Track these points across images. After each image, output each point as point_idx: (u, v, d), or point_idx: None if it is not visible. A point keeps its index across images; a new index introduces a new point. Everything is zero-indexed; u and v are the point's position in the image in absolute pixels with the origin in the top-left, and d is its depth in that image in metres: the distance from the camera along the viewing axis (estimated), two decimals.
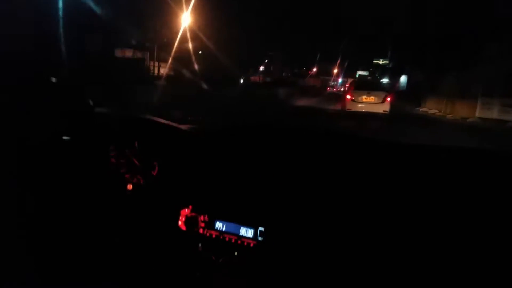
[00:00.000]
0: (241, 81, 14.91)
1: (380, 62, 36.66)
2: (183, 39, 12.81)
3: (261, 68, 27.31)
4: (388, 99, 8.96)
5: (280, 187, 0.91)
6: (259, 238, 0.88)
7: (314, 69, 30.07)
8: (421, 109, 14.35)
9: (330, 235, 0.85)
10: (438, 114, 12.26)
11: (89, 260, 0.94)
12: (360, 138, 1.05)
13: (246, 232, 0.90)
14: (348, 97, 9.34)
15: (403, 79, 29.58)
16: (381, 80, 39.98)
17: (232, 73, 15.40)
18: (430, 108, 13.96)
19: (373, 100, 9.26)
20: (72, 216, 0.99)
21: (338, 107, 9.69)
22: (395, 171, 0.89)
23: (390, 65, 33.37)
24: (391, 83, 34.15)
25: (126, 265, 0.93)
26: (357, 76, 45.82)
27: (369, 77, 15.49)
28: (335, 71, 30.91)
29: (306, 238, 0.85)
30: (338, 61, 28.84)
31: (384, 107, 8.89)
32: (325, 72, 29.08)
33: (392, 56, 32.43)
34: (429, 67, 15.24)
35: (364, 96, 9.35)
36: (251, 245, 0.88)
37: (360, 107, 9.25)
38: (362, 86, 9.59)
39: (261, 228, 0.88)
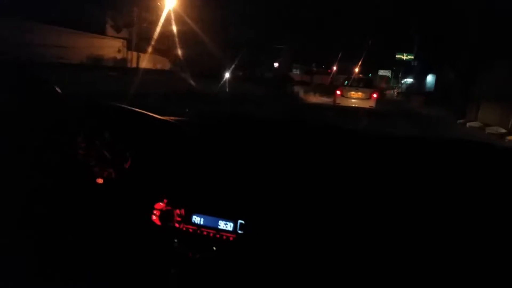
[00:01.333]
0: (226, 76, 14.74)
1: (404, 57, 35.84)
2: (166, 25, 11.59)
3: (275, 64, 28.09)
4: (374, 95, 11.41)
5: (260, 178, 0.96)
6: (239, 232, 0.91)
7: (334, 68, 31.12)
8: (468, 124, 10.59)
9: (312, 228, 0.89)
10: (500, 133, 8.13)
11: (59, 259, 0.94)
12: (343, 130, 1.15)
13: (225, 225, 0.92)
14: (338, 92, 11.67)
15: (430, 78, 28.22)
16: (404, 80, 39.91)
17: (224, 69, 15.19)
18: (485, 122, 9.54)
19: (360, 96, 11.49)
20: (38, 211, 0.96)
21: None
22: (379, 163, 0.96)
23: (416, 63, 32.82)
24: (414, 84, 33.32)
25: (98, 263, 0.95)
26: (379, 74, 46.01)
27: (361, 75, 17.28)
28: (356, 70, 30.42)
29: (288, 230, 0.89)
30: (360, 60, 28.00)
31: (370, 103, 11.21)
32: (344, 71, 28.50)
33: (418, 53, 31.15)
34: (467, 63, 12.29)
35: (353, 92, 11.57)
36: (231, 238, 0.92)
37: (348, 102, 11.45)
38: (351, 83, 12.19)
39: (241, 221, 0.91)
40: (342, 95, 11.53)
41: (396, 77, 47.35)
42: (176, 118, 1.18)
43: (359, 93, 11.49)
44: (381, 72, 48.01)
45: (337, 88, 12.08)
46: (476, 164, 0.95)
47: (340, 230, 0.87)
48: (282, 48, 26.92)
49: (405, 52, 35.29)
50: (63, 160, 0.99)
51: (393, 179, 0.92)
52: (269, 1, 19.21)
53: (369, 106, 11.23)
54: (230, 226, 0.91)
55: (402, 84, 42.09)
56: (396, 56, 36.35)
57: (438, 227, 0.84)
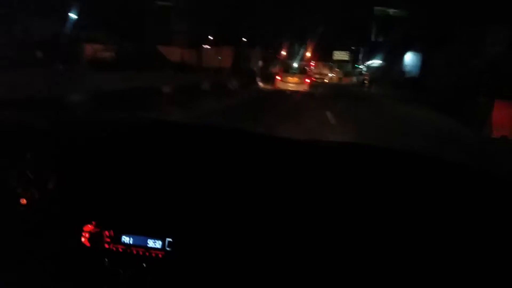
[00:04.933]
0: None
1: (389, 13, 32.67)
2: None
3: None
4: (307, 80, 18.44)
5: (186, 194, 1.17)
6: (167, 249, 1.12)
7: (283, 52, 32.99)
8: None
9: (241, 242, 1.10)
10: None
11: None
12: (271, 138, 1.39)
13: (154, 243, 1.13)
14: (278, 78, 18.65)
15: (409, 59, 25.08)
16: (368, 62, 37.21)
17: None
18: None
19: (296, 81, 18.23)
20: None
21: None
22: (301, 170, 1.22)
23: (383, 39, 29.41)
24: (383, 68, 29.19)
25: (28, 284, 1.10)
26: (333, 57, 46.67)
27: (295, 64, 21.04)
28: (308, 54, 32.64)
29: (215, 245, 1.11)
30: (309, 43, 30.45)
31: (304, 87, 18.08)
32: (292, 56, 30.04)
33: (387, 25, 28.70)
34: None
35: (290, 77, 18.38)
36: (160, 256, 1.12)
37: (286, 85, 18.02)
38: (288, 70, 19.13)
39: (168, 239, 1.12)
40: (281, 80, 18.30)
41: (356, 60, 46.58)
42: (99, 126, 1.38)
43: (295, 78, 18.21)
44: (337, 55, 47.48)
45: (277, 74, 19.12)
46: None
47: (268, 243, 1.08)
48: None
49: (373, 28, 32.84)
50: None
51: (317, 185, 1.15)
52: None
53: (303, 89, 17.88)
54: (159, 244, 1.12)
55: (365, 68, 40.03)
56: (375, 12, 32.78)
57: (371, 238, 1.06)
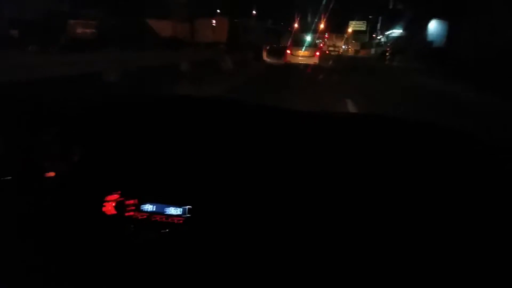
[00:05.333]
0: None
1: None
2: None
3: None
4: (317, 53, 21.22)
5: (203, 165, 1.42)
6: (187, 215, 1.38)
7: (296, 25, 34.21)
8: None
9: (256, 211, 1.34)
10: None
11: (14, 256, 1.28)
12: (285, 111, 1.69)
13: (174, 211, 1.39)
14: (288, 51, 21.28)
15: (433, 28, 25.16)
16: (388, 32, 36.29)
17: None
18: None
19: (306, 54, 20.91)
20: None
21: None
22: (317, 145, 1.47)
23: (403, 6, 28.46)
24: (404, 38, 28.34)
25: (57, 256, 1.30)
26: (349, 29, 46.42)
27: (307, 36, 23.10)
28: (321, 26, 33.36)
29: (229, 212, 1.35)
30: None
31: (314, 60, 20.82)
32: (305, 28, 30.81)
33: None
34: None
35: (300, 51, 21.00)
36: (180, 222, 1.38)
37: (297, 59, 20.78)
38: (298, 44, 21.56)
39: (188, 206, 1.38)
40: (291, 54, 21.04)
41: (374, 30, 45.71)
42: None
43: (306, 52, 20.95)
44: (353, 26, 46.94)
45: (287, 48, 21.75)
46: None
47: (283, 213, 1.31)
48: None
49: None
50: (13, 155, 1.39)
51: (333, 161, 1.39)
52: None
53: (314, 62, 20.70)
54: (179, 211, 1.38)
55: (384, 38, 38.94)
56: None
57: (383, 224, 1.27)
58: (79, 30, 16.89)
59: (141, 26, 18.89)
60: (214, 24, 25.53)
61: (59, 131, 1.45)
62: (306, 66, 19.91)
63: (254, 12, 29.57)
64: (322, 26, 35.30)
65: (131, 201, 1.38)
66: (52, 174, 1.39)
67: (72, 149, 1.43)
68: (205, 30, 24.80)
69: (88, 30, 17.25)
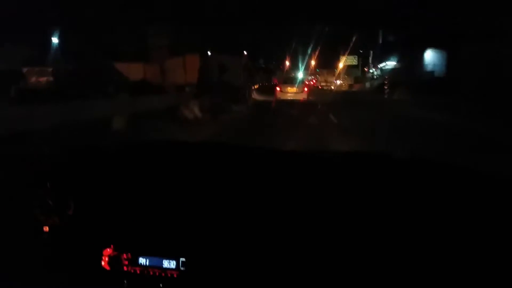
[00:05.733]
0: None
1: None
2: None
3: None
4: (305, 89, 25.28)
5: (197, 215, 1.57)
6: (182, 268, 1.50)
7: (287, 63, 40.00)
8: None
9: (249, 259, 1.47)
10: None
11: None
12: (276, 153, 2.00)
13: (168, 264, 1.51)
14: (278, 89, 25.55)
15: (430, 58, 26.67)
16: (381, 64, 37.69)
17: None
18: None
19: (295, 91, 24.99)
20: None
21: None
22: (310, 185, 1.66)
23: (395, 37, 30.24)
24: (399, 69, 29.60)
25: None
26: (340, 64, 48.69)
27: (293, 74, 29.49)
28: (313, 63, 37.03)
29: (224, 263, 1.48)
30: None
31: (303, 95, 24.80)
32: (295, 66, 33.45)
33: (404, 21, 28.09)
34: None
35: (289, 88, 25.21)
36: (175, 275, 1.50)
37: (286, 95, 24.57)
38: (287, 81, 26.76)
39: (182, 259, 1.51)
40: (281, 91, 24.75)
41: (366, 64, 47.30)
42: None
43: (294, 88, 24.86)
44: (344, 61, 49.00)
45: (276, 86, 26.12)
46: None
47: (277, 258, 1.44)
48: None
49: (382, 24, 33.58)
50: (9, 210, 1.56)
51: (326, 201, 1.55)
52: None
53: (303, 98, 24.25)
54: (173, 264, 1.50)
55: (377, 71, 40.63)
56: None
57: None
58: (33, 79, 17.13)
59: (108, 71, 18.65)
60: (186, 63, 24.84)
61: (54, 185, 1.61)
62: (296, 107, 20.37)
63: (245, 52, 31.58)
64: (313, 63, 38.85)
65: (124, 255, 1.50)
66: (46, 228, 1.54)
67: (65, 203, 1.58)
68: (176, 71, 24.32)
69: (42, 79, 17.62)
